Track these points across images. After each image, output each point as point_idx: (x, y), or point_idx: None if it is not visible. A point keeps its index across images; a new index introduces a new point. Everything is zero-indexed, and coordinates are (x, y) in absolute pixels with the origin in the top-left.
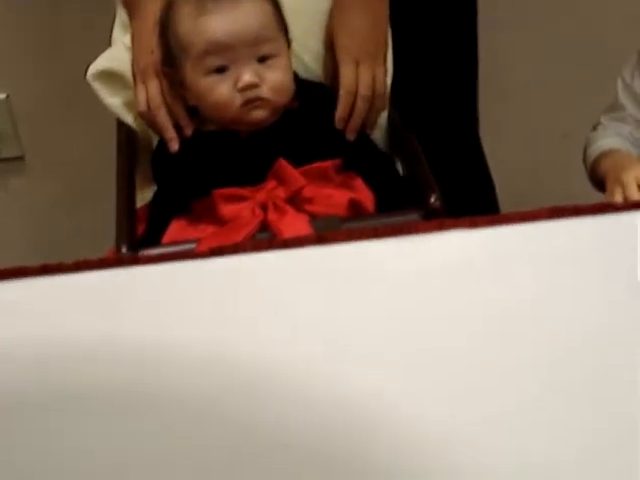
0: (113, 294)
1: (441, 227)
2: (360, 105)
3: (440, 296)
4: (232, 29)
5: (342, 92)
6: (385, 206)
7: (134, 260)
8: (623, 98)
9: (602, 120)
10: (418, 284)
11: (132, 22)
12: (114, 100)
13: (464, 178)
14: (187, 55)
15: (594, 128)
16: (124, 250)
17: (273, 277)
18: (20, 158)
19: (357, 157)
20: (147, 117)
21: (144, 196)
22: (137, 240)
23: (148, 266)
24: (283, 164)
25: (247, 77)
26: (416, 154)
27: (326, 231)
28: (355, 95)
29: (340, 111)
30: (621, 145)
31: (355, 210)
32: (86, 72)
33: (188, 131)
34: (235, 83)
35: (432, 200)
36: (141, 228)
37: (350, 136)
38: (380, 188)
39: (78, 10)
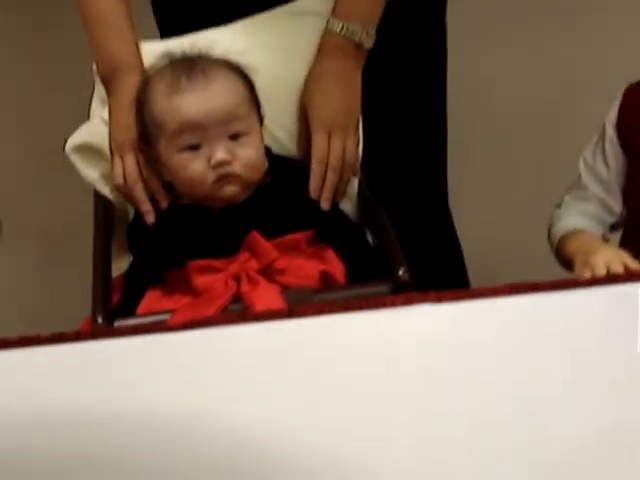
0: (88, 366)
1: (409, 301)
2: (330, 175)
3: (407, 369)
4: (204, 108)
5: (313, 162)
6: (356, 276)
7: (108, 333)
8: (586, 178)
9: (566, 198)
10: (386, 357)
11: (110, 98)
12: (91, 172)
13: (433, 249)
14: (161, 133)
15: (558, 206)
16: (100, 320)
17: (245, 350)
18: None
19: (328, 229)
20: (124, 190)
21: (119, 265)
22: (112, 310)
23: (122, 339)
24: (256, 237)
25: (220, 154)
26: (384, 226)
27: (298, 302)
28: (326, 165)
29: (313, 181)
30: (585, 224)
31: (326, 281)
32: (64, 143)
33: (164, 204)
34: (208, 160)
35: (400, 273)
36: (116, 297)
37: (324, 205)
38: (351, 259)
39: (59, 80)
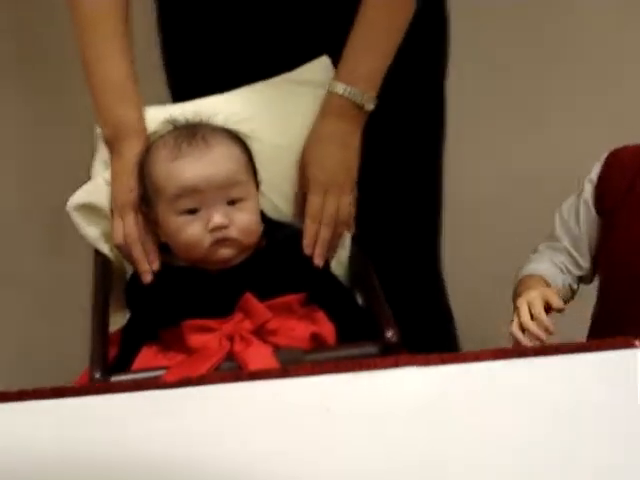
0: (87, 420)
1: (397, 364)
2: (323, 232)
3: (394, 430)
4: (203, 174)
5: (307, 220)
6: (346, 337)
7: (106, 388)
8: (560, 231)
9: (540, 247)
10: (374, 417)
11: (113, 160)
12: (91, 230)
13: (423, 311)
14: (160, 196)
15: (533, 251)
16: (97, 375)
17: (238, 407)
18: None
19: (319, 292)
20: (123, 250)
21: (116, 320)
22: (110, 365)
23: (118, 394)
24: (250, 298)
25: (217, 219)
26: (374, 288)
27: (289, 362)
28: (319, 223)
29: (306, 238)
30: (551, 272)
31: (317, 342)
32: (65, 200)
33: (155, 266)
34: (206, 224)
35: (389, 335)
36: (113, 351)
37: (317, 261)
38: (341, 321)
39: (60, 138)
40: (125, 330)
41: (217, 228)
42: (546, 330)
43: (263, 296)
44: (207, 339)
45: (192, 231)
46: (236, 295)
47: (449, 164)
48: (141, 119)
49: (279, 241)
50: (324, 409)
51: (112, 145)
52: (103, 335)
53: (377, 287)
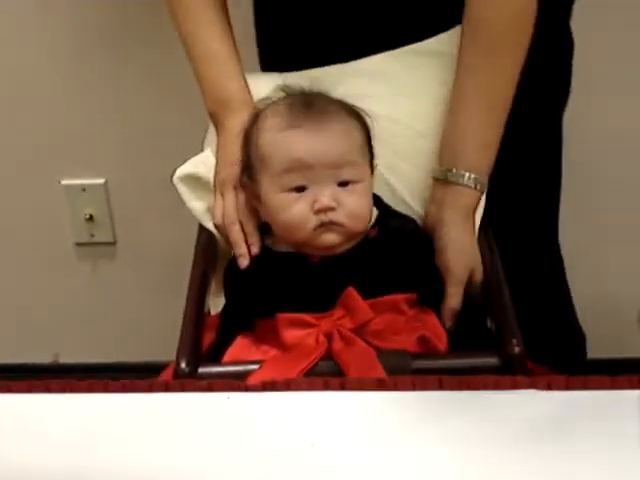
0: (159, 417)
1: (514, 386)
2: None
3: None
4: (315, 149)
5: (445, 312)
6: (458, 346)
7: (180, 387)
8: None
9: None
10: (481, 445)
11: (218, 134)
12: (197, 204)
13: (550, 323)
14: (265, 168)
15: None
16: (183, 366)
17: (323, 418)
18: (112, 243)
19: (432, 293)
20: (221, 230)
21: (218, 303)
22: (200, 353)
23: (194, 393)
24: (352, 294)
25: (325, 200)
26: (500, 291)
27: (394, 368)
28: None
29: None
30: None
31: (425, 347)
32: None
33: (255, 249)
34: (311, 204)
35: (513, 344)
36: (210, 337)
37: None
38: (455, 328)
39: (175, 112)
40: (221, 316)
41: (323, 210)
42: None
43: (367, 292)
44: (303, 335)
45: (296, 211)
46: (338, 289)
47: None
48: (246, 89)
49: (392, 233)
50: (422, 430)
51: (217, 117)
52: (196, 321)
53: (504, 290)
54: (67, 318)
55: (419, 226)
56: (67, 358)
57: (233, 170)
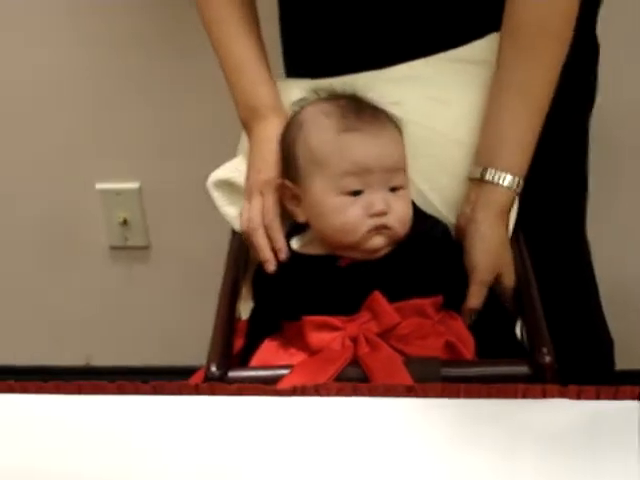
0: (183, 421)
1: (544, 395)
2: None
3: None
4: (378, 153)
5: (465, 311)
6: (485, 354)
7: (210, 390)
8: None
9: None
10: (511, 453)
11: (250, 140)
12: (230, 209)
13: (579, 329)
14: (321, 170)
15: None
16: (213, 369)
17: (353, 424)
18: (145, 247)
19: (458, 296)
20: (246, 236)
21: (248, 307)
22: (230, 358)
23: (224, 397)
24: (378, 298)
25: (381, 204)
26: (530, 297)
27: (423, 375)
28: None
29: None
30: None
31: (452, 353)
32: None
33: (282, 255)
34: (366, 208)
35: (543, 353)
36: (240, 342)
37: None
38: (482, 334)
39: (208, 117)
40: (250, 320)
41: (379, 214)
42: None
43: (393, 295)
44: (329, 338)
45: (352, 214)
46: (364, 293)
47: None
48: (276, 95)
49: (420, 235)
50: (453, 439)
51: (248, 124)
52: (227, 326)
53: (536, 296)
54: (100, 321)
55: (449, 230)
56: (100, 361)
57: (260, 177)
